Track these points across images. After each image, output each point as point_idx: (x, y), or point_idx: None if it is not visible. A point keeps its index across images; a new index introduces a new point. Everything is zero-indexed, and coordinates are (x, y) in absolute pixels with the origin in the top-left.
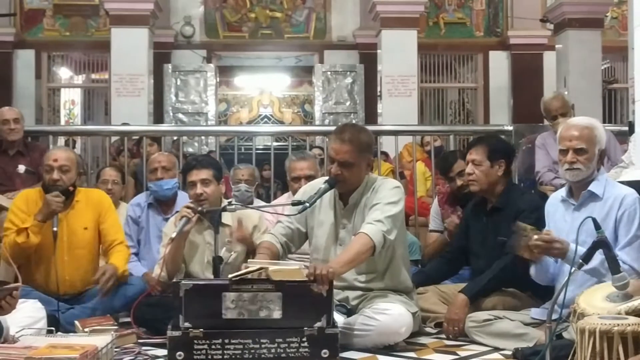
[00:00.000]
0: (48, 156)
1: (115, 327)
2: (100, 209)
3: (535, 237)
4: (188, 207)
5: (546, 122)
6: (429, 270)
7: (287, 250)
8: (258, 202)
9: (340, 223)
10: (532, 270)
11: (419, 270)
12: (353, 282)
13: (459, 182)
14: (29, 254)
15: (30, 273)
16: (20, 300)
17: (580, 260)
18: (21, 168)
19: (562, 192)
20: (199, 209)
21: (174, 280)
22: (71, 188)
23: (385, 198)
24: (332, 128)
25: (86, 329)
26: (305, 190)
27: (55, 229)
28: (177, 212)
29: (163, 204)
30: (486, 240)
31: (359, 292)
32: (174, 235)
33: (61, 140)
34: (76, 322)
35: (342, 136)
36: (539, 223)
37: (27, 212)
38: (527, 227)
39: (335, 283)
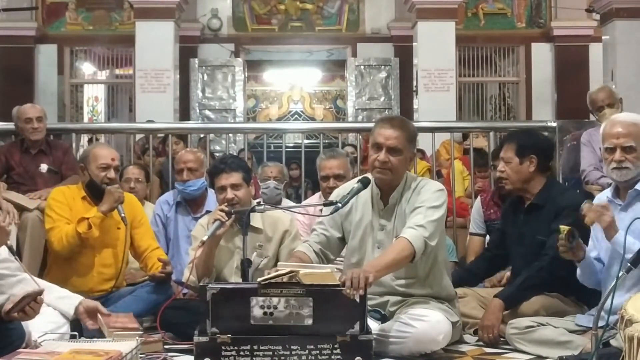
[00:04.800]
0: (104, 154)
1: (140, 332)
2: (134, 212)
3: (587, 205)
4: (222, 210)
5: (592, 118)
6: (469, 266)
7: (324, 259)
8: (287, 202)
9: (379, 224)
10: (579, 271)
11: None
12: (392, 288)
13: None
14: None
15: (54, 271)
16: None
17: (629, 264)
18: (44, 167)
19: (608, 192)
20: (232, 211)
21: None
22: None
23: (428, 201)
24: (366, 125)
25: (110, 329)
26: (339, 193)
27: (123, 214)
28: (207, 211)
29: (192, 203)
30: (523, 239)
31: (399, 298)
32: (205, 238)
33: (84, 139)
34: (99, 316)
35: (392, 122)
36: (579, 222)
37: (67, 205)
38: (564, 230)
39: (374, 288)
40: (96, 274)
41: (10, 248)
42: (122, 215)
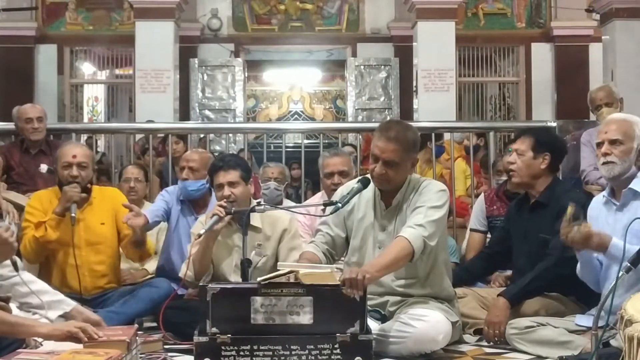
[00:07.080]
0: (65, 153)
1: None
2: (116, 205)
3: (575, 228)
4: (221, 206)
5: (592, 117)
6: (466, 265)
7: (331, 259)
8: (287, 203)
9: (381, 225)
10: (578, 268)
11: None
12: (392, 288)
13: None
14: (49, 253)
15: (51, 273)
16: None
17: (629, 264)
18: (43, 167)
19: (605, 193)
20: (232, 210)
21: (201, 282)
22: (89, 185)
23: (429, 201)
24: (366, 125)
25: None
26: (342, 192)
27: (73, 214)
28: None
29: (195, 204)
30: (527, 237)
31: (398, 298)
32: (202, 232)
33: (84, 138)
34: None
35: (388, 134)
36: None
37: (43, 210)
38: (569, 212)
39: (374, 288)
40: (87, 272)
41: (14, 264)
42: (73, 215)
